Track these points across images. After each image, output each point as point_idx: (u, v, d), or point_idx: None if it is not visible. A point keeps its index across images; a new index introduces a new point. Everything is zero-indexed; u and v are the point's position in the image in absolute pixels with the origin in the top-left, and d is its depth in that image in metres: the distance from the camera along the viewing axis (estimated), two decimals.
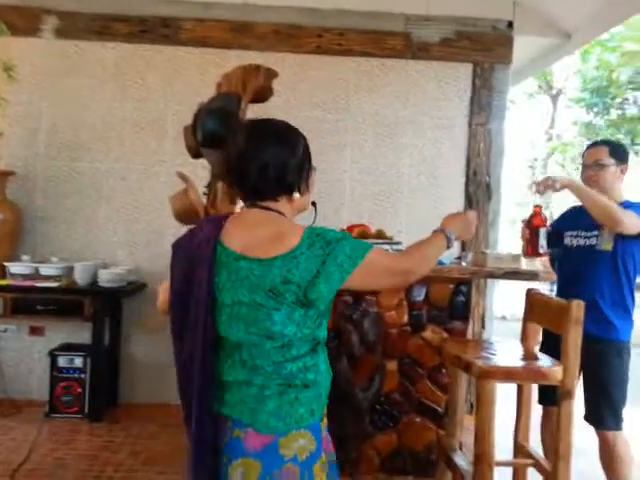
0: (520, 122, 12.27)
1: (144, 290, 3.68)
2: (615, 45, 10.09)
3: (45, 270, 3.44)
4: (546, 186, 2.37)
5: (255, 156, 1.28)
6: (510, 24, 3.81)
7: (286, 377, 1.25)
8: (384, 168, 3.84)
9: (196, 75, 3.69)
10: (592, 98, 11.42)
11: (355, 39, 3.78)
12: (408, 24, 3.80)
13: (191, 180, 2.52)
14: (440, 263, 2.54)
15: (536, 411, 2.48)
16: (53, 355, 3.48)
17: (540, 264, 2.71)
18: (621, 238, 2.34)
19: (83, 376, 3.45)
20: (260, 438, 1.22)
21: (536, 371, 1.95)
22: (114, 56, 3.75)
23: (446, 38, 3.81)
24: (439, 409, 2.70)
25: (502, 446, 2.07)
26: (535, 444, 2.34)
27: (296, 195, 1.33)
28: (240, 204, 2.22)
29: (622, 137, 10.52)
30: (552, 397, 2.01)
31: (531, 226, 2.41)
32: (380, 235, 2.83)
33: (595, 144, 2.58)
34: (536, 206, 2.43)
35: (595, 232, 2.41)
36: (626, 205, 2.35)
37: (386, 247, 2.59)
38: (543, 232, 2.38)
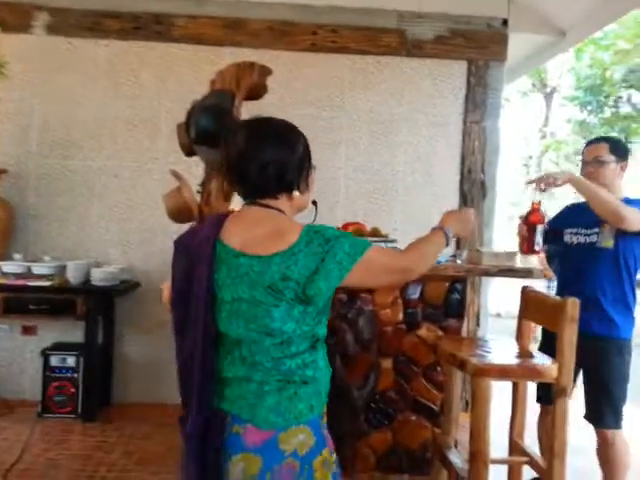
0: (514, 120, 12.31)
1: (137, 289, 3.66)
2: (609, 43, 10.12)
3: (37, 269, 3.41)
4: (547, 184, 2.36)
5: (255, 155, 1.29)
6: (505, 21, 3.81)
7: (285, 373, 1.25)
8: (379, 166, 3.83)
9: (189, 72, 3.67)
10: (586, 96, 11.45)
11: (349, 36, 3.76)
12: (402, 21, 3.79)
13: (185, 178, 2.50)
14: (436, 262, 2.53)
15: (533, 409, 2.48)
16: (46, 354, 3.46)
17: (537, 261, 2.70)
18: (622, 235, 2.33)
19: (76, 376, 3.43)
20: (260, 433, 1.23)
21: (531, 369, 1.95)
22: (106, 53, 3.72)
23: (440, 35, 3.81)
24: (434, 407, 2.69)
25: (497, 444, 2.07)
26: (531, 442, 2.34)
27: (296, 194, 1.34)
28: (234, 202, 2.21)
29: (615, 135, 10.55)
30: (550, 395, 2.01)
31: (528, 222, 2.39)
32: (375, 233, 2.82)
33: (595, 140, 2.56)
34: (534, 202, 2.40)
35: (596, 229, 2.40)
36: (626, 202, 2.34)
37: (381, 245, 2.58)
38: (540, 229, 2.37)
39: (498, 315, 7.54)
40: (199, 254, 1.28)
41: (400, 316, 2.69)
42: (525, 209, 2.49)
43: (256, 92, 2.61)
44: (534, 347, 2.42)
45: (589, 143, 2.57)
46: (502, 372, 1.93)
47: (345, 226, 2.87)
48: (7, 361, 3.69)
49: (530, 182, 2.45)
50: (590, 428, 2.41)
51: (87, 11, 3.67)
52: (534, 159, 13.38)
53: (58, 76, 3.70)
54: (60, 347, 3.53)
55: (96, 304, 3.42)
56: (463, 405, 3.41)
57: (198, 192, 2.53)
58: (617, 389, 2.35)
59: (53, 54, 3.70)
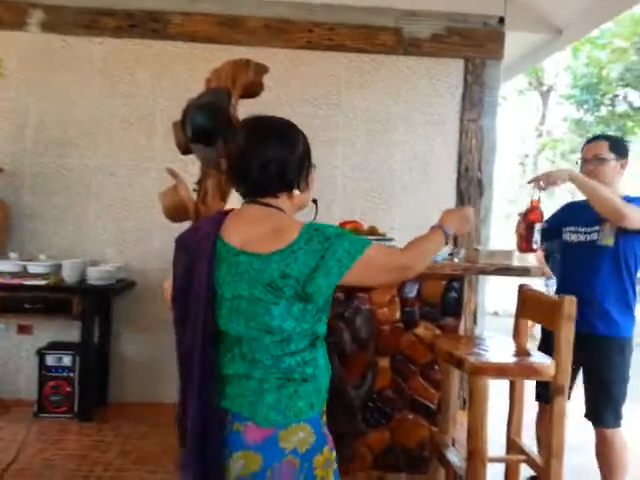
0: (511, 118, 12.32)
1: (133, 288, 3.65)
2: (605, 42, 10.14)
3: (33, 268, 3.40)
4: (548, 183, 2.35)
5: (256, 154, 1.29)
6: (501, 20, 3.80)
7: (285, 371, 1.26)
8: (376, 164, 3.83)
9: (185, 70, 3.65)
10: (582, 95, 11.46)
11: (346, 34, 3.76)
12: (399, 19, 3.78)
13: (181, 176, 2.49)
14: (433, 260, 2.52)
15: (531, 408, 2.48)
16: (41, 354, 3.44)
17: (535, 260, 2.70)
18: (622, 233, 2.33)
19: (72, 375, 3.41)
20: (260, 431, 1.24)
21: (528, 367, 1.95)
22: (102, 51, 3.70)
23: (437, 34, 3.80)
24: (432, 406, 2.69)
25: (495, 442, 2.07)
26: (529, 441, 2.34)
27: (296, 192, 1.34)
28: (231, 200, 2.20)
29: (612, 134, 10.57)
30: (549, 394, 2.01)
31: (527, 220, 2.38)
32: (372, 232, 2.81)
33: (595, 138, 2.56)
34: (534, 200, 2.39)
35: (596, 227, 2.40)
36: (626, 200, 2.33)
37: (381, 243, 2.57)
38: (538, 227, 2.36)
39: (495, 313, 7.56)
40: (199, 252, 1.29)
41: (397, 315, 2.68)
42: (523, 207, 2.48)
43: (252, 90, 2.60)
44: (533, 346, 2.41)
45: (589, 141, 2.57)
46: (499, 370, 1.92)
47: (342, 225, 2.86)
48: (3, 360, 3.67)
49: (531, 181, 2.44)
50: (588, 426, 2.41)
51: (82, 9, 3.66)
52: (530, 157, 13.41)
53: (53, 74, 3.68)
54: (56, 346, 3.52)
55: (92, 303, 3.40)
56: (460, 403, 3.41)
57: (194, 190, 2.52)
58: (617, 389, 2.34)
59: (48, 52, 3.68)
